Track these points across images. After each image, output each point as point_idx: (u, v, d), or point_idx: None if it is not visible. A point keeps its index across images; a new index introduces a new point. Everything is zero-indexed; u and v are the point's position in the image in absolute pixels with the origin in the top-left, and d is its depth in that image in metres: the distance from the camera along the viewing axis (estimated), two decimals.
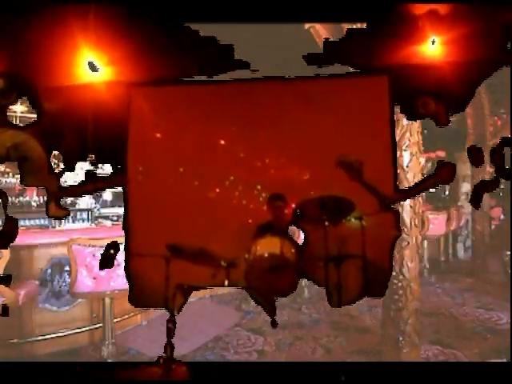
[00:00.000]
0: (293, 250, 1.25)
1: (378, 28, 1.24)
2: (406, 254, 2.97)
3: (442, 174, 1.28)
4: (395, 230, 1.27)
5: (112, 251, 1.27)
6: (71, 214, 6.66)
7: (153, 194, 1.32)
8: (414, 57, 1.25)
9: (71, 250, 2.98)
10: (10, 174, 7.22)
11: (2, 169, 6.95)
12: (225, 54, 1.25)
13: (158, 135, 1.32)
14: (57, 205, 1.24)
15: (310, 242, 1.29)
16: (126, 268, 1.27)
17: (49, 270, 3.51)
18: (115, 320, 3.47)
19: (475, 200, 1.31)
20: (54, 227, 5.02)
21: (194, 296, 4.86)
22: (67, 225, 6.12)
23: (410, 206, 2.97)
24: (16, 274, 3.29)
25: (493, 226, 7.68)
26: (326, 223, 1.25)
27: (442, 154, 8.10)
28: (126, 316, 3.90)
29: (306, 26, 2.66)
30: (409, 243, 2.97)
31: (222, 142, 1.31)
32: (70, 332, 3.53)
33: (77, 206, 7.07)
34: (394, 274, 3.01)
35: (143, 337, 3.78)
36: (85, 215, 6.97)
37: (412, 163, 2.95)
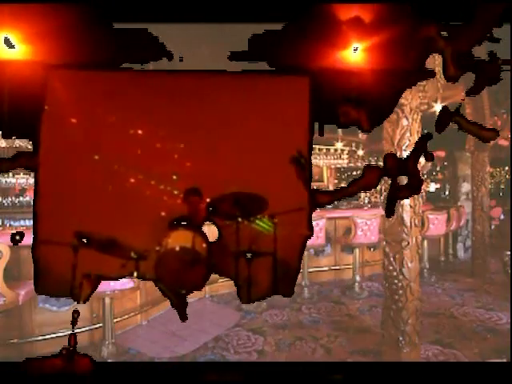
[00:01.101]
0: (204, 245, 1.24)
1: (302, 29, 1.23)
2: (406, 254, 2.97)
3: (367, 178, 1.28)
4: (306, 229, 1.27)
5: (18, 237, 1.26)
6: None
7: (64, 179, 1.28)
8: (336, 61, 1.25)
9: None
10: (10, 174, 7.22)
11: None
12: (152, 43, 1.23)
13: (74, 120, 1.27)
14: None
15: (222, 238, 1.29)
16: (32, 254, 1.25)
17: None
18: (115, 320, 3.48)
19: (388, 208, 1.32)
20: None
21: (194, 296, 4.89)
22: None
23: (410, 206, 2.97)
24: (16, 274, 3.30)
25: (493, 226, 7.68)
26: (239, 219, 1.26)
27: (442, 153, 8.10)
28: (126, 316, 3.90)
29: None
30: (409, 243, 2.97)
31: (140, 131, 1.28)
32: (70, 332, 3.53)
33: None
34: (394, 274, 3.01)
35: (143, 337, 3.78)
36: None
37: None
